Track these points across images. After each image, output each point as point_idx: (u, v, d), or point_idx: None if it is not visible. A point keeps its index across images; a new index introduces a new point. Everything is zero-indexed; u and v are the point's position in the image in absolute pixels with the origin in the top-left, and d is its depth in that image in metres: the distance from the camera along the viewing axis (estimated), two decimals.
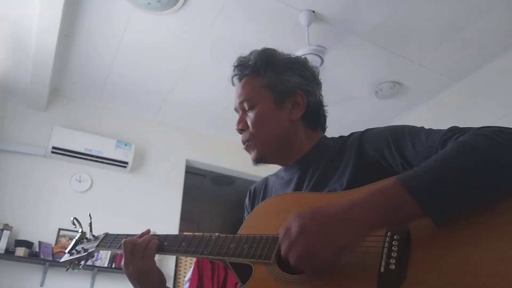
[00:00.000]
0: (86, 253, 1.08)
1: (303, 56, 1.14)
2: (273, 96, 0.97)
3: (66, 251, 1.13)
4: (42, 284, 3.16)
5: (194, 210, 5.69)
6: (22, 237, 3.19)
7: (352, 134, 0.93)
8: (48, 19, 2.65)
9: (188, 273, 3.49)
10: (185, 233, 1.00)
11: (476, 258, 0.58)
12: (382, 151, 0.81)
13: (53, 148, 3.47)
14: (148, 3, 2.65)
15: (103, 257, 3.42)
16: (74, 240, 1.16)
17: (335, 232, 0.63)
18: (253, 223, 0.88)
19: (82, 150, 3.56)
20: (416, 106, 3.77)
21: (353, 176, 0.83)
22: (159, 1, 2.63)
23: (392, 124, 0.89)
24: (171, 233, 0.98)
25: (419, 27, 2.86)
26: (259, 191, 1.08)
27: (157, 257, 0.94)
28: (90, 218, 1.15)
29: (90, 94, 3.78)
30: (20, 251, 3.05)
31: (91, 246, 1.08)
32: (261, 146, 0.97)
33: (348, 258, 0.67)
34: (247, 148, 0.99)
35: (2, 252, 3.02)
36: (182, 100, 3.82)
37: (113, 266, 3.41)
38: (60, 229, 3.36)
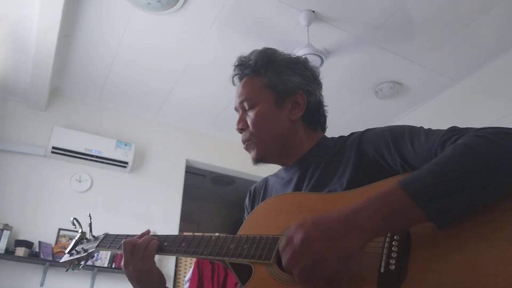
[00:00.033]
0: (86, 254, 1.08)
1: (303, 56, 1.14)
2: (273, 96, 0.97)
3: (66, 251, 1.13)
4: (42, 284, 3.16)
5: (194, 210, 5.69)
6: (22, 237, 3.19)
7: (352, 134, 0.93)
8: (48, 19, 2.65)
9: (188, 273, 3.49)
10: (185, 233, 1.00)
11: (476, 258, 0.58)
12: (382, 151, 0.81)
13: (53, 148, 3.47)
14: (148, 3, 2.65)
15: (103, 257, 3.42)
16: (74, 241, 1.15)
17: (339, 239, 0.62)
18: (253, 223, 0.88)
19: (82, 150, 3.56)
20: (416, 106, 3.77)
21: (353, 176, 0.83)
22: (159, 1, 2.63)
23: (392, 124, 0.89)
24: (171, 233, 0.98)
25: (419, 27, 2.86)
26: (259, 191, 1.08)
27: (157, 257, 0.94)
28: (90, 218, 1.15)
29: (90, 94, 3.78)
30: (20, 251, 3.05)
31: (91, 247, 1.08)
32: (261, 146, 0.97)
33: None
34: (247, 148, 0.99)
35: (2, 252, 3.02)
36: (182, 100, 3.81)
37: (113, 266, 3.41)
38: (60, 229, 3.36)
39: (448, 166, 0.63)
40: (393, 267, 0.63)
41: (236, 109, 1.03)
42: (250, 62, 1.00)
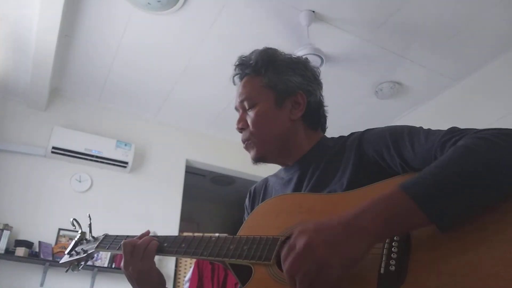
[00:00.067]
0: (85, 255, 1.08)
1: (304, 57, 1.14)
2: (274, 96, 0.97)
3: (66, 252, 1.13)
4: (42, 284, 3.16)
5: (194, 210, 5.69)
6: (22, 237, 3.19)
7: (352, 134, 0.93)
8: (48, 19, 2.65)
9: (188, 273, 3.49)
10: (185, 234, 1.00)
11: (476, 259, 0.58)
12: (381, 152, 0.81)
13: (53, 148, 3.47)
14: (148, 3, 2.65)
15: (103, 257, 3.42)
16: (73, 241, 1.15)
17: (342, 244, 0.61)
18: (253, 224, 0.88)
19: (82, 150, 3.56)
20: (416, 106, 3.77)
21: (353, 176, 0.83)
22: (159, 1, 2.63)
23: (392, 124, 0.89)
24: (171, 233, 0.98)
25: (419, 27, 2.86)
26: (259, 192, 1.08)
27: (157, 257, 0.94)
28: (90, 219, 1.15)
29: (90, 94, 3.78)
30: (20, 251, 3.05)
31: (90, 247, 1.08)
32: (260, 145, 0.97)
33: None
34: (247, 147, 0.99)
35: (2, 252, 3.02)
36: (182, 100, 3.81)
37: (113, 266, 3.41)
38: (60, 229, 3.36)
39: (449, 168, 0.63)
40: (393, 268, 0.63)
41: (236, 108, 1.03)
42: (251, 62, 1.00)
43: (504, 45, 3.00)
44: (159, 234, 1.00)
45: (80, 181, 3.61)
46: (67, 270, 1.12)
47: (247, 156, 1.00)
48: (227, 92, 3.52)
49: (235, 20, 2.83)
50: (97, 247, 1.06)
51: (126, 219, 3.58)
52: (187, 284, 3.37)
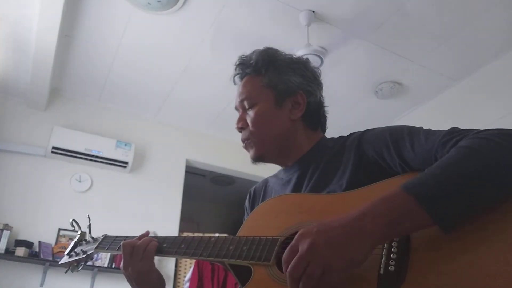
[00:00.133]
0: (85, 255, 1.07)
1: (304, 57, 1.14)
2: (274, 96, 0.97)
3: (65, 253, 1.13)
4: (42, 284, 3.16)
5: (194, 210, 5.69)
6: (22, 237, 3.19)
7: (351, 134, 0.93)
8: (48, 19, 2.65)
9: (188, 273, 3.49)
10: (185, 234, 0.99)
11: (476, 259, 0.58)
12: (381, 152, 0.81)
13: (53, 148, 3.47)
14: (148, 3, 2.65)
15: (103, 257, 3.42)
16: (73, 242, 1.15)
17: (345, 246, 0.61)
18: (253, 224, 0.88)
19: (82, 150, 3.56)
20: (416, 106, 3.77)
21: (353, 176, 0.82)
22: (159, 1, 2.63)
23: (392, 124, 0.88)
24: (171, 234, 0.98)
25: (419, 27, 2.85)
26: (259, 193, 1.08)
27: (156, 257, 0.94)
28: (89, 219, 1.15)
29: (90, 94, 3.78)
30: (20, 251, 3.05)
31: (90, 248, 1.08)
32: (260, 145, 0.97)
33: None
34: (246, 146, 1.00)
35: (2, 252, 3.02)
36: (182, 100, 3.81)
37: (113, 266, 3.41)
38: (60, 229, 3.36)
39: (452, 168, 0.63)
40: (392, 268, 0.63)
41: (236, 108, 1.03)
42: (251, 62, 1.00)
43: (504, 45, 3.00)
44: (159, 234, 1.00)
45: (80, 181, 3.61)
46: (66, 271, 1.12)
47: (247, 156, 1.00)
48: (227, 92, 3.52)
49: (235, 20, 2.83)
50: (96, 248, 1.06)
51: (126, 219, 3.58)
52: (187, 284, 3.37)
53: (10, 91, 3.52)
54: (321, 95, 1.02)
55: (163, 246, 0.94)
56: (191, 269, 3.42)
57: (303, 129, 0.99)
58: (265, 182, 1.10)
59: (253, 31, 2.90)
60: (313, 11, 2.72)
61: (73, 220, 1.13)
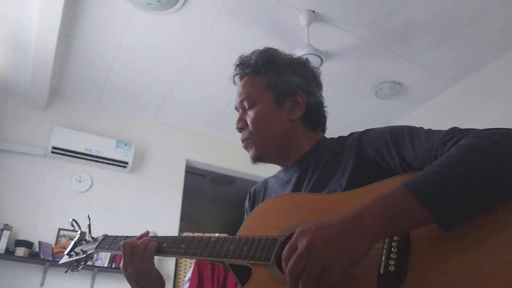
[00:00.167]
0: (85, 255, 1.08)
1: (304, 57, 1.14)
2: (274, 96, 0.97)
3: (65, 253, 1.13)
4: (42, 284, 3.16)
5: (194, 210, 5.69)
6: (22, 237, 3.19)
7: (351, 134, 0.93)
8: (48, 19, 2.65)
9: (188, 273, 3.48)
10: (185, 234, 0.99)
11: (476, 259, 0.58)
12: (381, 152, 0.81)
13: (53, 148, 3.47)
14: (148, 3, 2.65)
15: (103, 257, 3.42)
16: (73, 242, 1.15)
17: (344, 243, 0.60)
18: (253, 224, 0.88)
19: (82, 150, 3.56)
20: (416, 106, 3.77)
21: (353, 176, 0.83)
22: (159, 1, 2.63)
23: (392, 124, 0.88)
24: (171, 233, 0.98)
25: (419, 27, 2.85)
26: (259, 193, 1.08)
27: (156, 257, 0.94)
28: (89, 219, 1.15)
29: (90, 94, 3.78)
30: (20, 251, 3.05)
31: (90, 248, 1.08)
32: (259, 145, 0.97)
33: None
34: (246, 147, 1.00)
35: (2, 252, 3.02)
36: (182, 100, 3.81)
37: (113, 266, 3.41)
38: (60, 229, 3.36)
39: (452, 167, 0.63)
40: (392, 268, 0.63)
41: (236, 108, 1.03)
42: (251, 62, 1.00)
43: (504, 45, 3.00)
44: (159, 234, 1.00)
45: (80, 181, 3.61)
46: (66, 271, 1.12)
47: (247, 156, 1.00)
48: (227, 92, 3.52)
49: (235, 20, 2.83)
50: (96, 247, 1.06)
51: (126, 219, 3.58)
52: (187, 284, 3.37)
53: (10, 91, 3.52)
54: (321, 95, 1.02)
55: (163, 246, 0.94)
56: (191, 269, 3.42)
57: (303, 129, 0.99)
58: (265, 182, 1.10)
59: (252, 31, 2.89)
60: (313, 11, 2.72)
61: (73, 220, 1.13)
